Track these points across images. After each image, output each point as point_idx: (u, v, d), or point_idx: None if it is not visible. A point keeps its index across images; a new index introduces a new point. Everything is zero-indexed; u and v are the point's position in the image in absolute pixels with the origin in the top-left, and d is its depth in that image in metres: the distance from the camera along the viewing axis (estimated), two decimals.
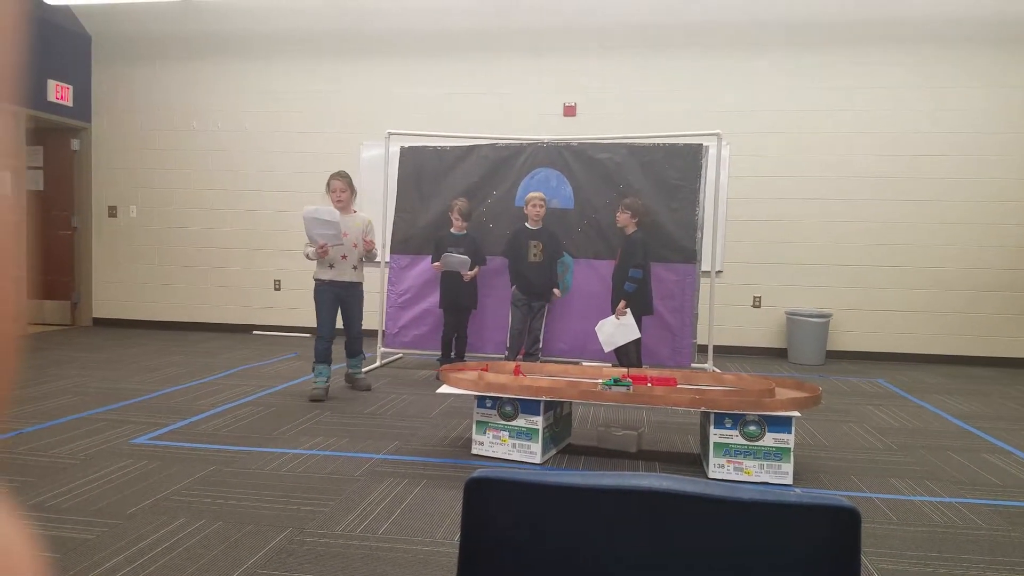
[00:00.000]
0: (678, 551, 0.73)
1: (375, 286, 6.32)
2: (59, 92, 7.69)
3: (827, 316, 6.90)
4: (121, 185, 8.20)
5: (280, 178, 7.87)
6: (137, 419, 4.17)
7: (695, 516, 0.71)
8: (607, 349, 5.36)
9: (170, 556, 2.41)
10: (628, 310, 5.25)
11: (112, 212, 8.23)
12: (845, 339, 7.11)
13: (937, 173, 6.90)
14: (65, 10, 7.73)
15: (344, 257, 4.80)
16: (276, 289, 7.96)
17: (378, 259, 5.06)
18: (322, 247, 4.65)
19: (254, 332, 7.95)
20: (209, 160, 8.02)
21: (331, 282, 4.80)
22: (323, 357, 4.80)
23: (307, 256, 4.77)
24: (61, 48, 7.76)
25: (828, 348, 6.95)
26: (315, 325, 4.92)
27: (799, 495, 0.68)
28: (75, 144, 8.11)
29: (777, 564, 0.71)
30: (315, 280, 4.86)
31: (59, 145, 8.08)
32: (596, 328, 5.39)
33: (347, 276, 4.83)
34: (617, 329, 5.28)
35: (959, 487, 3.34)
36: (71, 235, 8.17)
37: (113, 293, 8.29)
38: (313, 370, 4.86)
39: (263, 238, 7.95)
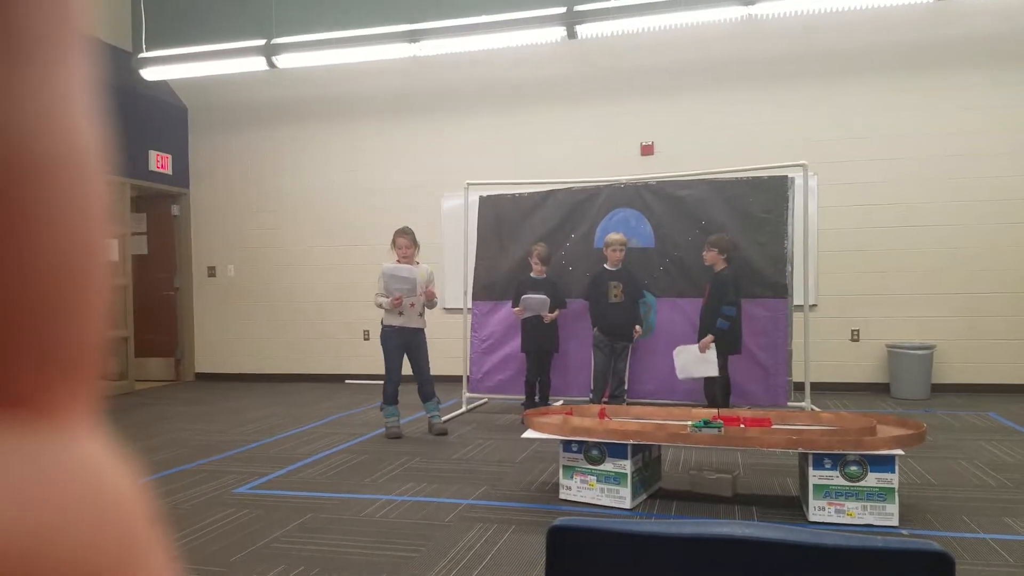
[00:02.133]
0: None
1: (458, 332, 6.43)
2: (159, 161, 8.27)
3: (931, 348, 6.53)
4: (219, 246, 8.69)
5: (364, 233, 8.16)
6: (238, 469, 4.35)
7: (780, 563, 0.70)
8: (680, 376, 5.33)
9: None
10: (713, 345, 5.15)
11: (211, 272, 8.73)
12: (951, 371, 6.70)
13: None
14: (163, 84, 8.36)
15: (412, 305, 5.16)
16: (365, 339, 8.20)
17: (438, 306, 5.33)
18: (398, 299, 5.04)
19: (346, 381, 8.18)
20: (299, 219, 8.42)
21: (400, 328, 5.16)
22: (392, 399, 5.18)
23: (379, 305, 5.19)
24: (160, 120, 8.38)
25: (933, 381, 6.56)
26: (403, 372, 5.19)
27: (886, 540, 0.67)
28: (175, 209, 8.68)
29: None
30: (384, 326, 5.23)
31: (160, 211, 8.67)
32: (675, 352, 5.31)
33: (414, 323, 5.21)
34: (696, 361, 5.20)
35: None
36: (173, 295, 8.69)
37: (214, 349, 8.73)
38: (382, 410, 5.22)
39: (351, 291, 8.23)
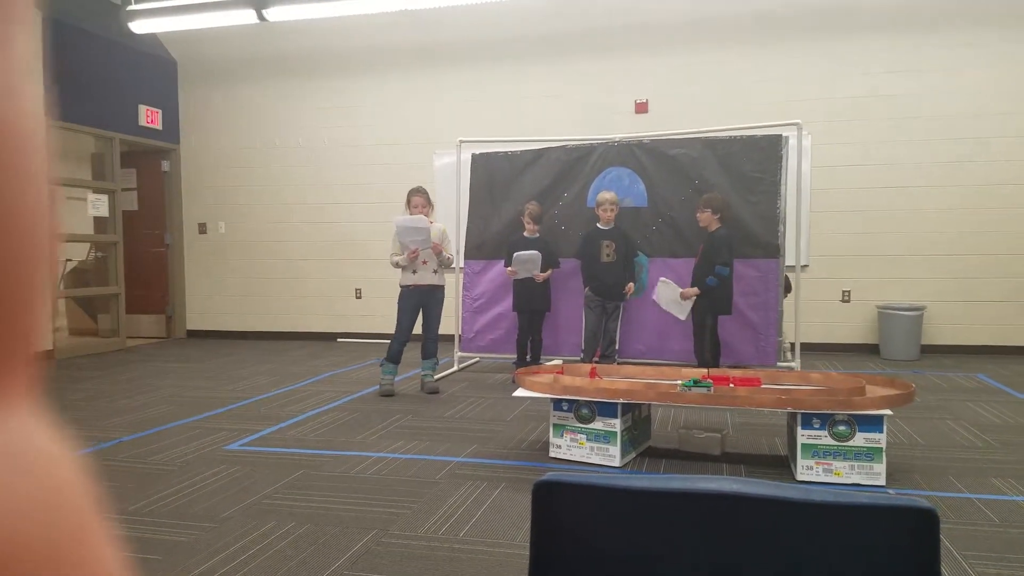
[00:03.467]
0: (748, 554, 0.71)
1: (450, 292, 6.41)
2: (149, 116, 8.13)
3: (921, 309, 6.56)
4: (210, 202, 8.61)
5: (358, 190, 8.09)
6: (230, 426, 4.36)
7: (765, 519, 0.69)
8: (654, 297, 5.39)
9: (262, 558, 2.51)
10: (694, 298, 5.18)
11: (202, 229, 8.65)
12: (941, 333, 6.75)
13: None
14: (151, 38, 8.16)
15: (425, 262, 5.11)
16: (357, 297, 8.18)
17: (452, 264, 5.23)
18: (414, 252, 5.01)
19: (338, 340, 8.19)
20: (291, 175, 8.32)
21: (415, 287, 5.14)
22: (395, 357, 5.16)
23: (396, 264, 5.14)
24: (149, 74, 8.20)
25: (923, 343, 6.60)
26: (393, 331, 5.18)
27: (872, 496, 0.66)
28: (165, 165, 8.56)
29: (852, 566, 0.68)
30: (401, 287, 5.19)
31: (150, 167, 8.55)
32: (660, 280, 5.33)
33: (428, 280, 5.16)
34: (673, 301, 5.25)
35: None
36: (164, 252, 8.62)
37: (205, 306, 8.70)
38: (381, 366, 5.19)
39: (344, 248, 8.19)
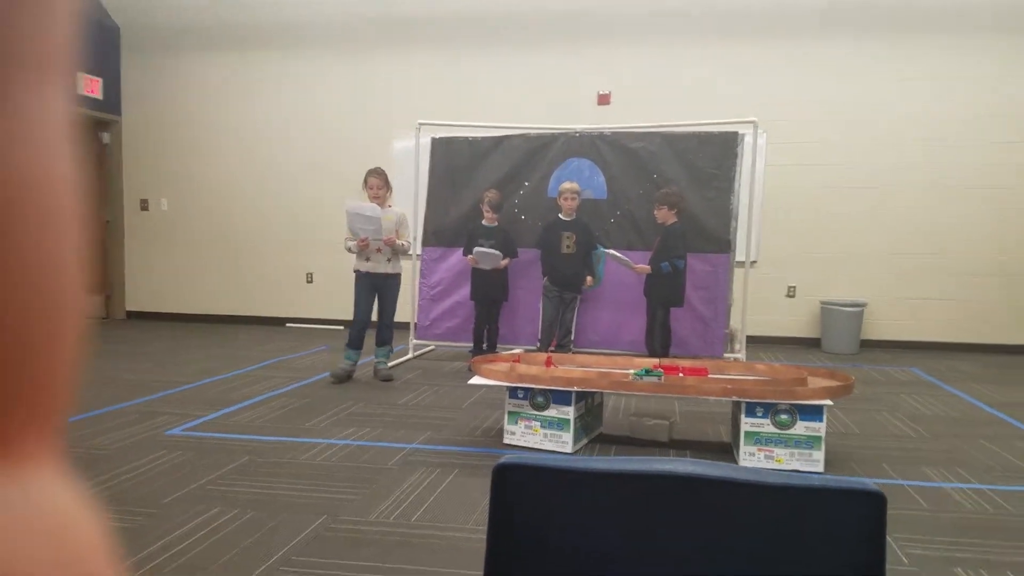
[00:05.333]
0: (704, 534, 0.73)
1: (407, 279, 6.36)
2: (89, 85, 7.73)
3: (861, 305, 6.79)
4: (152, 178, 8.31)
5: (312, 170, 7.93)
6: (171, 411, 4.26)
7: (721, 500, 0.71)
8: (610, 254, 5.46)
9: (207, 544, 2.47)
10: (641, 273, 5.36)
11: (144, 205, 8.36)
12: (879, 328, 6.99)
13: (974, 161, 6.73)
14: (92, 1, 7.78)
15: (379, 250, 5.01)
16: (309, 281, 8.05)
17: (409, 252, 5.17)
18: (363, 240, 4.89)
19: (287, 324, 8.05)
20: (241, 152, 8.09)
21: (368, 273, 5.05)
22: (355, 343, 5.06)
23: (348, 249, 5.04)
24: (90, 40, 7.80)
25: (862, 337, 6.84)
26: (348, 317, 5.14)
27: (825, 479, 0.69)
28: (105, 138, 8.23)
29: (803, 547, 0.71)
30: (354, 271, 5.11)
31: (89, 139, 8.19)
32: (609, 253, 5.39)
33: (382, 268, 5.07)
34: (620, 262, 5.36)
35: (989, 474, 3.30)
36: (103, 229, 8.33)
37: (146, 286, 8.44)
38: (344, 352, 5.13)
39: (296, 230, 8.03)
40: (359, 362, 5.21)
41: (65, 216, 0.21)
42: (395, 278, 5.15)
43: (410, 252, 5.24)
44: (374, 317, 5.11)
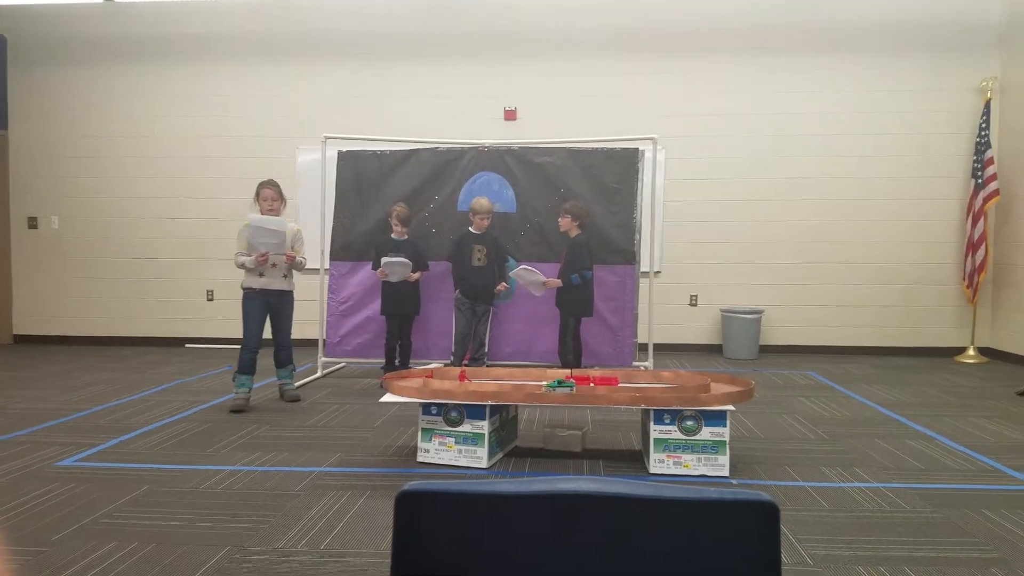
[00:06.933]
0: (606, 551, 0.74)
1: (314, 295, 6.22)
2: None
3: (759, 312, 7.11)
4: (42, 195, 7.86)
5: (211, 185, 7.67)
6: (63, 440, 4.00)
7: (622, 516, 0.72)
8: (510, 274, 5.48)
9: None
10: (552, 287, 5.40)
11: (32, 223, 7.89)
12: (777, 334, 7.33)
13: (865, 173, 7.19)
14: None
15: (274, 265, 4.80)
16: (209, 299, 7.76)
17: (305, 267, 5.01)
18: (263, 255, 4.67)
19: (186, 345, 7.72)
20: (135, 167, 7.76)
21: (262, 290, 4.80)
22: (247, 368, 4.77)
23: (242, 265, 4.77)
24: None
25: (761, 343, 7.15)
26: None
27: (720, 492, 0.70)
28: None
29: (702, 558, 0.72)
30: (244, 289, 4.84)
31: None
32: (522, 267, 5.41)
33: (277, 284, 4.85)
34: (531, 282, 5.36)
35: (886, 472, 3.48)
36: None
37: (36, 308, 7.93)
38: (234, 380, 4.80)
39: (194, 247, 7.73)
40: (254, 387, 4.98)
41: None
42: (290, 295, 4.95)
43: (306, 268, 5.05)
44: (266, 335, 4.86)
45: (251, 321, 4.78)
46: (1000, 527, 2.80)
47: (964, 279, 7.04)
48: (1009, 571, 2.42)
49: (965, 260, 7.01)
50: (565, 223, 5.44)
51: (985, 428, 4.35)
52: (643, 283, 6.13)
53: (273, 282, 4.82)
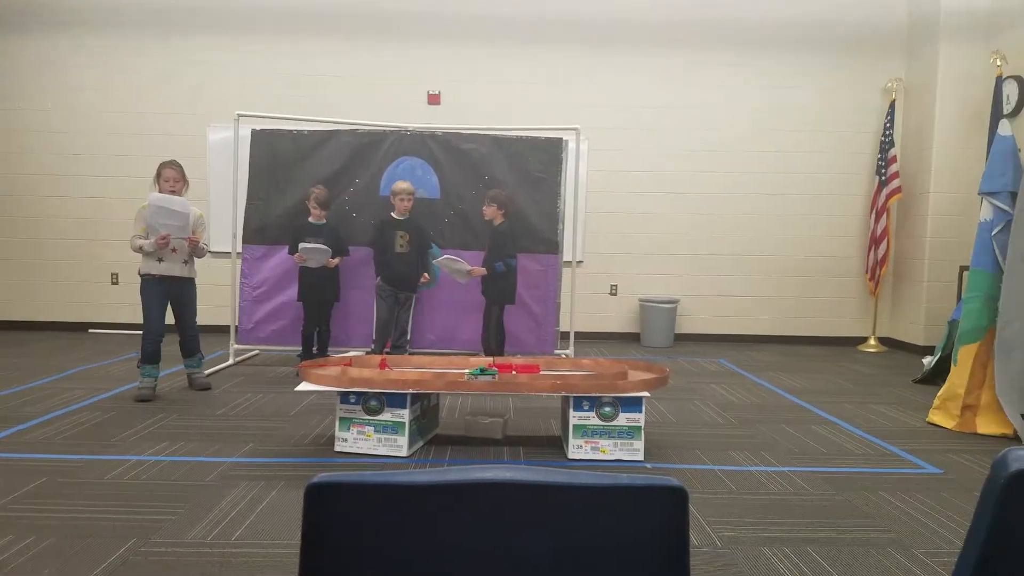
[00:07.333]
0: (524, 539, 0.75)
1: (226, 279, 6.02)
2: None
3: (675, 302, 7.31)
4: None
5: (117, 163, 7.29)
6: None
7: (536, 504, 0.73)
8: (434, 262, 5.49)
9: None
10: (477, 275, 5.41)
11: None
12: (691, 323, 7.57)
13: (776, 168, 7.46)
14: None
15: (175, 250, 4.58)
16: (114, 283, 7.40)
17: (206, 253, 4.80)
18: (164, 238, 4.45)
19: (90, 331, 7.34)
20: (36, 143, 7.29)
21: (161, 277, 4.58)
22: (151, 357, 4.56)
23: (139, 248, 4.53)
24: None
25: (676, 331, 7.37)
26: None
27: (631, 478, 0.72)
28: None
29: (614, 543, 0.74)
30: (142, 275, 4.60)
31: None
32: (446, 256, 5.42)
33: (178, 271, 4.64)
34: (455, 270, 5.38)
35: (791, 457, 3.65)
36: None
37: None
38: (139, 368, 4.59)
39: (99, 228, 7.34)
40: (161, 374, 4.78)
41: None
42: (191, 283, 4.74)
43: (207, 254, 4.83)
44: (168, 321, 4.64)
45: (151, 309, 4.55)
46: (897, 508, 2.97)
47: (867, 272, 7.41)
48: (904, 551, 2.57)
49: (868, 254, 7.38)
50: (490, 212, 5.43)
51: (884, 414, 4.61)
52: (565, 272, 6.21)
53: (173, 268, 4.60)
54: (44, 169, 7.31)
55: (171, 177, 4.56)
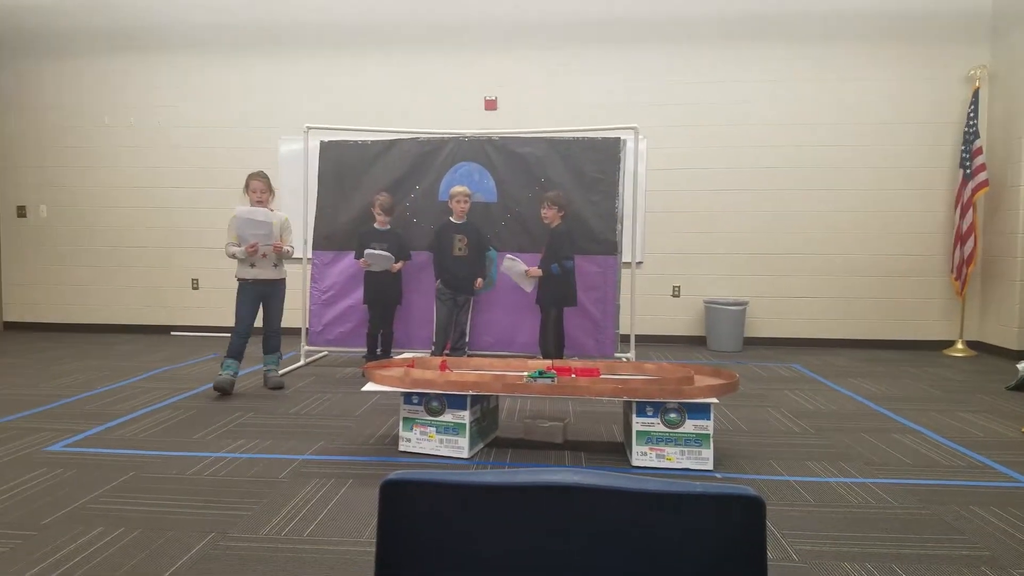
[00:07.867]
0: (592, 544, 0.75)
1: (297, 283, 6.21)
2: None
3: (743, 304, 7.15)
4: (30, 184, 7.86)
5: (196, 174, 7.64)
6: (51, 426, 3.98)
7: (604, 508, 0.74)
8: (502, 270, 5.51)
9: (88, 567, 2.32)
10: (535, 277, 5.38)
11: (21, 212, 7.88)
12: (761, 326, 7.38)
13: (852, 163, 7.19)
14: None
15: (264, 255, 4.89)
16: (194, 288, 7.72)
17: (292, 255, 5.08)
18: (253, 246, 4.77)
19: (172, 333, 7.68)
20: (122, 157, 7.73)
21: (255, 281, 4.91)
22: (236, 353, 4.86)
23: (233, 255, 4.86)
24: None
25: (745, 335, 7.20)
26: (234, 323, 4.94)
27: (704, 485, 0.72)
28: None
29: (686, 553, 0.74)
30: (239, 280, 4.94)
31: None
32: (507, 257, 5.44)
33: (269, 274, 4.95)
34: (518, 273, 5.38)
35: (872, 467, 3.48)
36: None
37: (24, 296, 7.90)
38: (221, 364, 4.87)
39: (180, 236, 7.70)
40: (240, 372, 5.01)
41: None
42: (281, 284, 5.06)
43: (292, 256, 5.12)
44: (257, 325, 4.97)
45: (243, 309, 4.89)
46: (991, 524, 2.78)
47: (952, 271, 7.02)
48: (999, 569, 2.40)
49: (953, 252, 6.97)
50: (550, 214, 5.42)
51: (974, 423, 4.34)
52: (625, 273, 6.15)
53: (264, 272, 4.92)
54: (129, 181, 7.72)
55: (258, 188, 4.88)
